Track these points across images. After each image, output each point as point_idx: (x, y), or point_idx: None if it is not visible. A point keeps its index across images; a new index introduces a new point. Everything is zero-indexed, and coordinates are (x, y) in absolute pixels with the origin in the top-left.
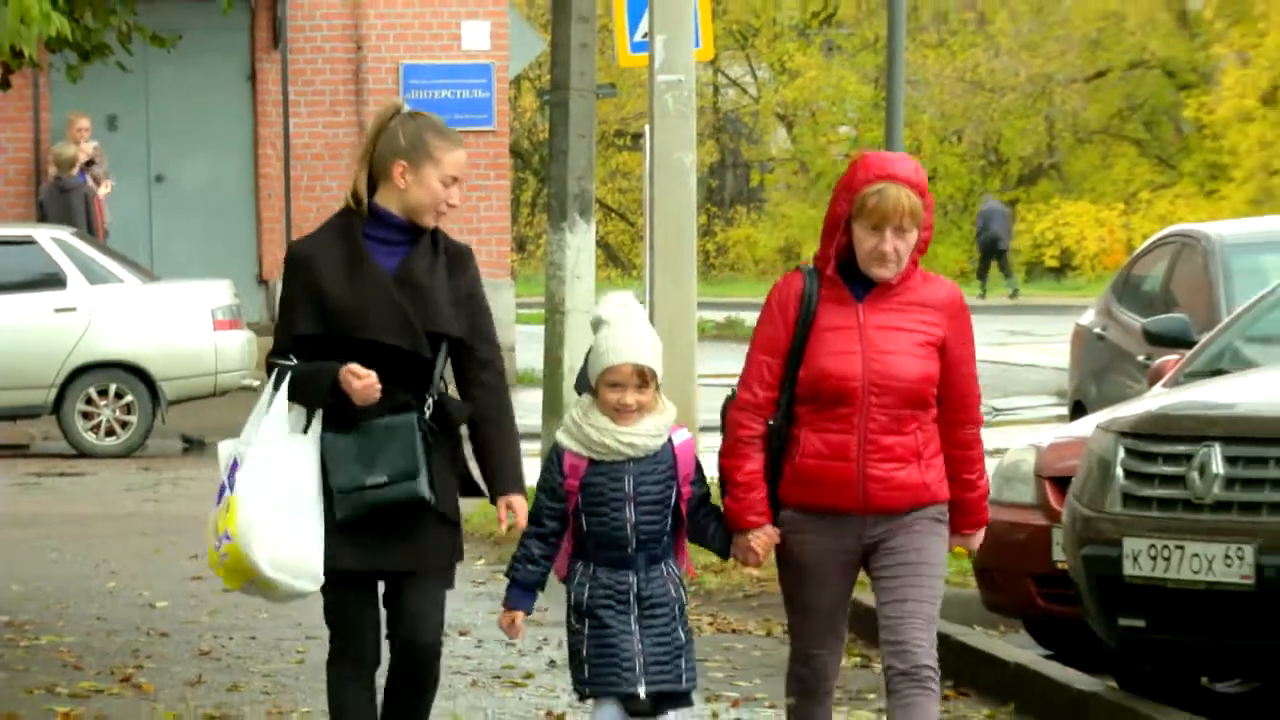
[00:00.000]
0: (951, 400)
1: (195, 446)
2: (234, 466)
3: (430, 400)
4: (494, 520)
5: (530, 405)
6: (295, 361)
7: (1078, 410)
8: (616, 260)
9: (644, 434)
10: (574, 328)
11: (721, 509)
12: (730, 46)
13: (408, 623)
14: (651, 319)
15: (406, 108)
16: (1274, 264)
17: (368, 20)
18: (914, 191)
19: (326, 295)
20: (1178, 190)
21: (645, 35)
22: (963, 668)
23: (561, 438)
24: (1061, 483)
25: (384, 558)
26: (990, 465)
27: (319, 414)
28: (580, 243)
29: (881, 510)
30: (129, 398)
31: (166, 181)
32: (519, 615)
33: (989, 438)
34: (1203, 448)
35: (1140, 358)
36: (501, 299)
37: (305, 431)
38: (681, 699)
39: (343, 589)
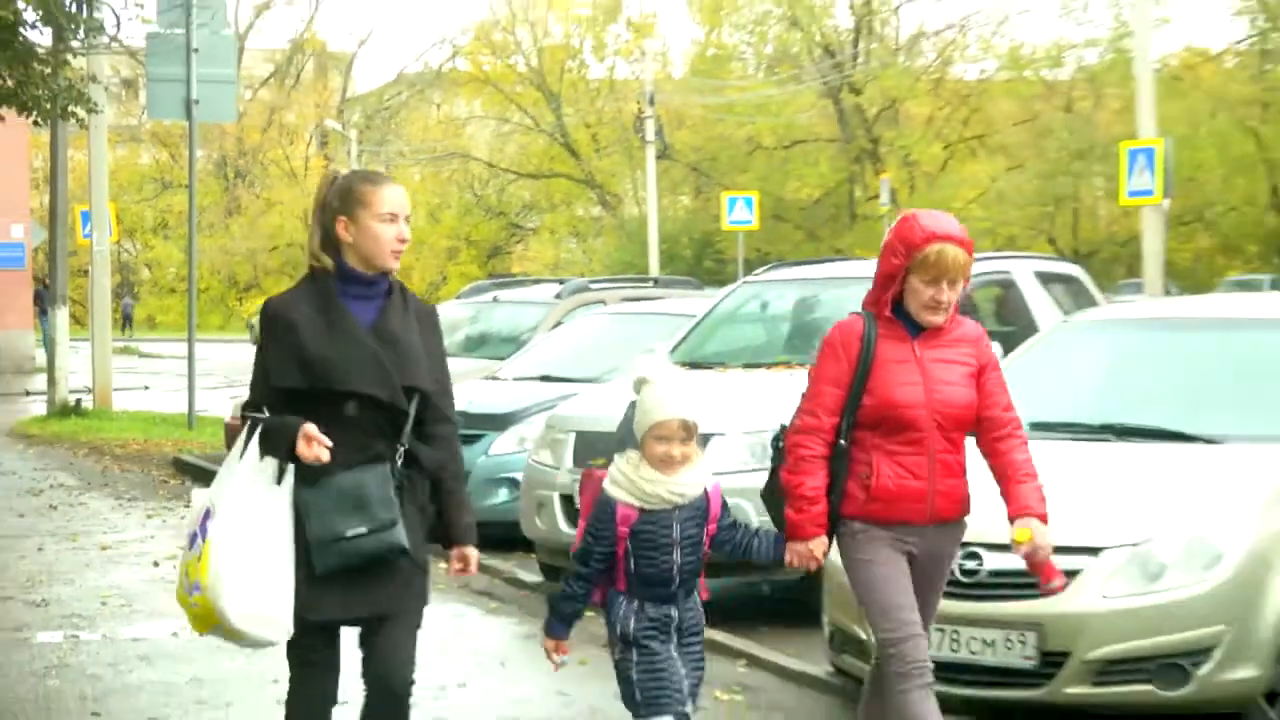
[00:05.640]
0: (994, 417)
1: None
2: (206, 515)
3: (401, 449)
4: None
5: (41, 382)
6: (267, 414)
7: None
8: (79, 322)
9: (691, 484)
10: (61, 354)
11: (751, 526)
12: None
13: (383, 664)
14: (93, 355)
15: (342, 173)
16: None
17: None
18: (965, 250)
19: (306, 349)
20: None
21: (90, 229)
22: None
23: (612, 490)
24: None
25: (363, 606)
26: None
27: (291, 465)
28: (61, 314)
29: (942, 520)
30: None
31: None
32: (562, 642)
33: None
34: None
35: None
36: (28, 339)
37: (279, 482)
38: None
39: (311, 634)
